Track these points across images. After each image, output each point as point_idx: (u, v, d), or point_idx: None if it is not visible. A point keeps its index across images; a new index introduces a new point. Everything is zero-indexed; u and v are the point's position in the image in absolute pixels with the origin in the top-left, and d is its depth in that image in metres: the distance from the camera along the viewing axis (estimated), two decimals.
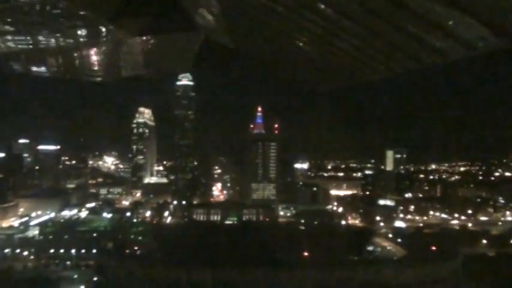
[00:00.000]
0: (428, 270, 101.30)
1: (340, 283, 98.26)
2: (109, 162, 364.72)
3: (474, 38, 29.97)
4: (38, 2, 64.10)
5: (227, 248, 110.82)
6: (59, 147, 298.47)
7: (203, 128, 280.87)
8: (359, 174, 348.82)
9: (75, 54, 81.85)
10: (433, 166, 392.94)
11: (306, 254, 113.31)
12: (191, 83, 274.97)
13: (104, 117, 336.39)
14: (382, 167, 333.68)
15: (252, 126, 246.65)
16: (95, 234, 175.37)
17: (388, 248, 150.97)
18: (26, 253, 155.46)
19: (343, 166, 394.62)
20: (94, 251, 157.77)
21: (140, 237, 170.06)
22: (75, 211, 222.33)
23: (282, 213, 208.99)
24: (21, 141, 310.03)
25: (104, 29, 68.18)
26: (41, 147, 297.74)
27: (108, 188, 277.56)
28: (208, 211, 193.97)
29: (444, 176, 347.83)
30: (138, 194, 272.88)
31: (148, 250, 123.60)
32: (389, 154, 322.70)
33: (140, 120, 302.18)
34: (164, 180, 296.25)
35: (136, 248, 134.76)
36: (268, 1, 45.67)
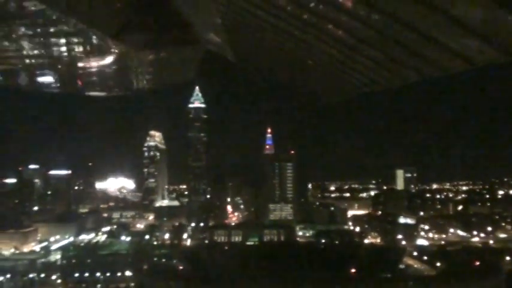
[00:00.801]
0: (472, 286, 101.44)
1: None
2: (117, 186, 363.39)
3: (472, 52, 31.04)
4: (39, 18, 65.69)
5: (266, 267, 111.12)
6: (70, 171, 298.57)
7: (215, 150, 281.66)
8: (364, 194, 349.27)
9: (80, 70, 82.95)
10: (435, 186, 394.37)
11: (345, 271, 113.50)
12: (203, 106, 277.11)
13: (113, 141, 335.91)
14: (385, 187, 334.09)
15: (267, 147, 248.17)
16: (117, 258, 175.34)
17: (415, 266, 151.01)
18: (53, 277, 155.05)
19: (346, 187, 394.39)
20: (119, 274, 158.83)
21: (164, 259, 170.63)
22: (92, 235, 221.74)
23: (300, 233, 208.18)
24: (31, 166, 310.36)
25: (106, 45, 69.63)
26: (52, 172, 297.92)
27: (121, 212, 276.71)
28: (229, 232, 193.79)
29: (451, 195, 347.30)
30: (151, 217, 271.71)
31: (184, 271, 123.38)
32: (400, 173, 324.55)
33: (151, 143, 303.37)
34: (176, 203, 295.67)
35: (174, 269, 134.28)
36: (269, 16, 47.09)
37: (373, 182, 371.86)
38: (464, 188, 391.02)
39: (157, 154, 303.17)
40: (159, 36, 63.28)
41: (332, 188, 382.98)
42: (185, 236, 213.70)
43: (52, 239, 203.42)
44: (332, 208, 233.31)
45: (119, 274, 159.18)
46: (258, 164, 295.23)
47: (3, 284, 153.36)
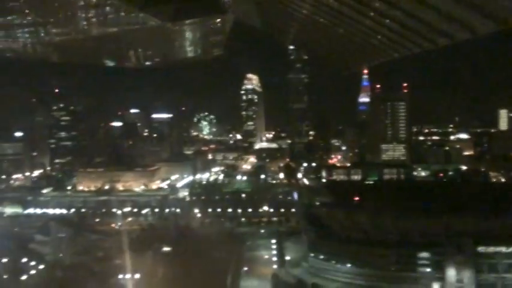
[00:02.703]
0: None
1: None
2: (210, 130, 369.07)
3: (503, 12, 28.02)
4: None
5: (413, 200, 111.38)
6: (171, 115, 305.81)
7: (317, 91, 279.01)
8: (451, 137, 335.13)
9: (112, 43, 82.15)
10: None
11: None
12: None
13: (209, 85, 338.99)
14: (468, 132, 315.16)
15: (377, 86, 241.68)
16: (241, 195, 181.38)
17: None
18: (193, 211, 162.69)
19: (426, 131, 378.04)
20: (250, 209, 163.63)
21: (289, 197, 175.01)
22: (207, 174, 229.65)
23: (415, 173, 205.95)
24: (132, 111, 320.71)
25: (136, 17, 67.74)
26: (154, 115, 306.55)
27: (223, 154, 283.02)
28: (348, 171, 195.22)
29: None
30: (252, 159, 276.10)
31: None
32: (503, 113, 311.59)
33: (249, 86, 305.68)
34: (274, 145, 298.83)
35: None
36: None
37: (451, 126, 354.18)
38: None
39: (255, 97, 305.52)
40: (185, 7, 61.21)
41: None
42: (300, 175, 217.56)
43: (172, 177, 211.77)
44: (447, 148, 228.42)
45: (249, 210, 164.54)
46: (357, 105, 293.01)
47: (148, 216, 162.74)
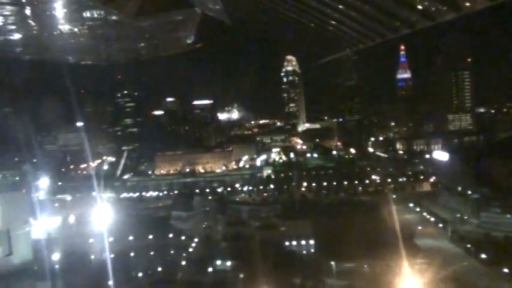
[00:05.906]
0: None
1: None
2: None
3: None
4: None
5: None
6: (211, 101, 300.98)
7: (366, 67, 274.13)
8: None
9: (73, 40, 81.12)
10: None
11: None
12: None
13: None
14: None
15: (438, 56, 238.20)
16: (327, 170, 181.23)
17: None
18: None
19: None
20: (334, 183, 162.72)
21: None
22: (272, 154, 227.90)
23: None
24: (169, 99, 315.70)
25: (99, 12, 66.84)
26: (196, 102, 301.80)
27: (270, 136, 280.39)
28: (427, 141, 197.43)
29: None
30: (298, 140, 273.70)
31: None
32: None
33: (289, 68, 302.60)
34: (317, 125, 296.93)
35: None
36: None
37: None
38: None
39: (296, 78, 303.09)
40: (150, 2, 60.56)
41: None
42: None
43: (243, 158, 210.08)
44: None
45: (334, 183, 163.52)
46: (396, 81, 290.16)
47: (251, 193, 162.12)
